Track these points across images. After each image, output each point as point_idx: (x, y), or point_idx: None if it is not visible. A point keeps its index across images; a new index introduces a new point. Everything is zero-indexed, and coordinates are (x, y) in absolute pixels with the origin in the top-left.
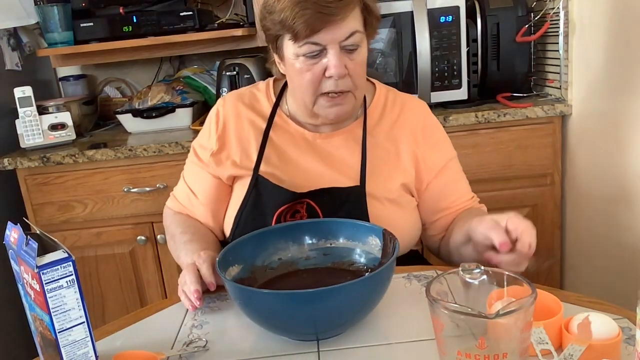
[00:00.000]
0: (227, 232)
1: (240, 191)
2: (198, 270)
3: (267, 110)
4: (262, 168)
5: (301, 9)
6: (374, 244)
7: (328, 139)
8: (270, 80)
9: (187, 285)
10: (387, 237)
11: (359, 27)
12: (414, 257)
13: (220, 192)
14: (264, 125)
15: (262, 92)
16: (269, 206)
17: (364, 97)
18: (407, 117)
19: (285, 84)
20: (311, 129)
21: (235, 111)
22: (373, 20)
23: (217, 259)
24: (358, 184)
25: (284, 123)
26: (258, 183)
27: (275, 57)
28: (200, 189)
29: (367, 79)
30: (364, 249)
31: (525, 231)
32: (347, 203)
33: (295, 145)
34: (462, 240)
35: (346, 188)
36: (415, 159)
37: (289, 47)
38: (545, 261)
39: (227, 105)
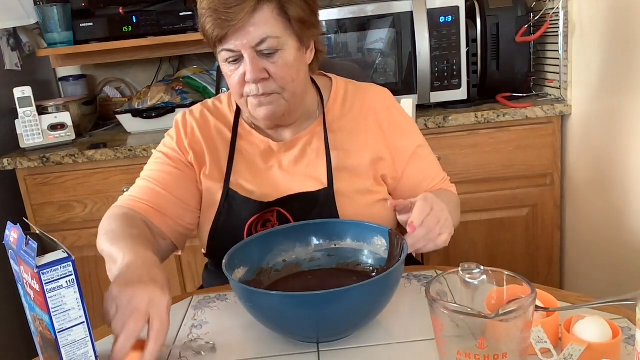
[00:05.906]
0: (204, 244)
1: (212, 203)
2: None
3: (231, 119)
4: (232, 180)
5: (208, 15)
6: (380, 244)
7: (292, 146)
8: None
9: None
10: (394, 238)
11: (274, 33)
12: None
13: (193, 194)
14: (229, 135)
15: (224, 103)
16: (240, 218)
17: (320, 95)
18: (369, 107)
19: None
20: (274, 136)
21: (203, 118)
22: (296, 26)
23: (224, 261)
24: (326, 185)
25: (248, 134)
26: (229, 196)
27: None
28: (171, 186)
29: (324, 74)
30: (369, 249)
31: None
32: (317, 206)
33: (261, 155)
34: None
35: (314, 192)
36: (386, 149)
37: (218, 56)
38: None
39: (194, 112)
